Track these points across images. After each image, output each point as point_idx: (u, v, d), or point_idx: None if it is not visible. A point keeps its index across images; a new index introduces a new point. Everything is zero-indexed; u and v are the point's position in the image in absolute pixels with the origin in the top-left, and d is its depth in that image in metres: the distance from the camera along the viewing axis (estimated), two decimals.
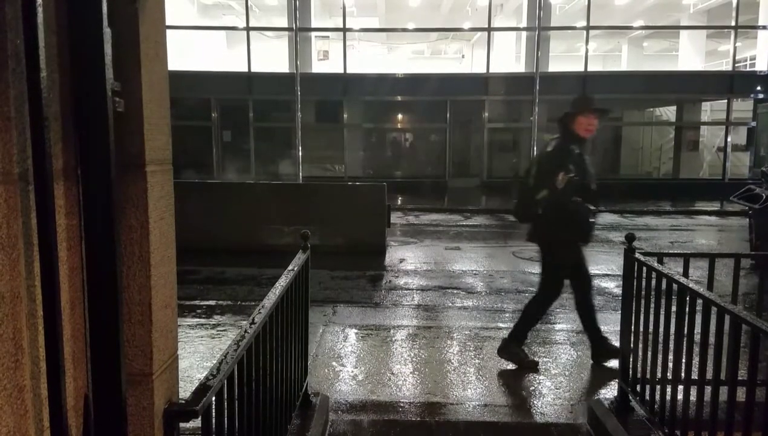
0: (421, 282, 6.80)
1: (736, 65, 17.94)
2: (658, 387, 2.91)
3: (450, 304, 5.90)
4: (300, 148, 14.67)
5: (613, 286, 6.44)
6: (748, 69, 22.16)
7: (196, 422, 1.57)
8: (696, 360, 2.57)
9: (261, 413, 2.16)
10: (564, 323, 5.15)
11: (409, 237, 9.93)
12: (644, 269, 3.08)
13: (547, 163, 4.10)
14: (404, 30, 21.48)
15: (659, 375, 2.89)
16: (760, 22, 16.59)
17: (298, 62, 14.80)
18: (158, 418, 1.46)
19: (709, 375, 2.51)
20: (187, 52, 17.70)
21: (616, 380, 3.51)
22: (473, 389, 3.88)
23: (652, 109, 19.56)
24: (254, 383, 2.05)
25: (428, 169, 17.74)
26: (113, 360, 1.34)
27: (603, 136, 17.49)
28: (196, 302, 5.85)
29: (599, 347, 4.25)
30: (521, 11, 18.87)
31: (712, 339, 2.50)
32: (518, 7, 19.89)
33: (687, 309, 2.64)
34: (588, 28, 16.44)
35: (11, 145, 1.12)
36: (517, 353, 4.22)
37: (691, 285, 2.64)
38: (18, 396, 1.15)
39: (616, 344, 3.75)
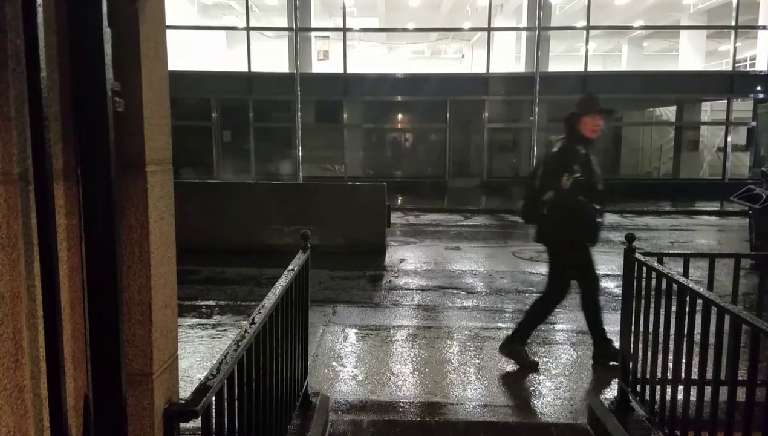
0: (421, 282, 6.80)
1: (736, 65, 17.94)
2: (658, 387, 2.91)
3: (450, 304, 5.90)
4: (300, 148, 14.68)
5: (613, 286, 6.44)
6: (748, 69, 22.15)
7: (196, 422, 1.57)
8: (696, 360, 2.57)
9: (261, 413, 2.16)
10: (564, 323, 5.16)
11: (409, 237, 9.93)
12: (644, 269, 3.08)
13: (552, 164, 4.10)
14: (404, 30, 21.49)
15: (659, 375, 2.89)
16: (760, 22, 16.59)
17: (298, 62, 14.80)
18: (158, 418, 1.46)
19: (709, 375, 2.51)
20: (187, 52, 17.70)
21: (616, 380, 3.51)
22: (473, 389, 3.88)
23: (652, 109, 19.57)
24: (254, 383, 2.05)
25: (428, 169, 17.74)
26: (113, 360, 1.34)
27: (603, 136, 17.45)
28: (196, 302, 5.85)
29: (602, 349, 4.23)
30: (521, 11, 18.88)
31: (712, 339, 2.50)
32: (518, 7, 19.89)
33: (687, 309, 2.64)
34: (588, 28, 16.44)
35: (11, 145, 1.12)
36: (519, 352, 4.23)
37: (691, 285, 2.64)
38: (18, 396, 1.15)
39: (617, 345, 3.75)
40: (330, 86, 16.41)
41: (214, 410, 1.66)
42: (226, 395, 1.76)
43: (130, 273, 1.42)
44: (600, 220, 4.05)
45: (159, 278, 1.48)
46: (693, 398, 2.62)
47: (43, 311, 1.18)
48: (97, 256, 1.32)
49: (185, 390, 1.70)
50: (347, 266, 7.37)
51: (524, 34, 17.89)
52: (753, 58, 20.60)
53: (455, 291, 6.39)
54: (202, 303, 5.86)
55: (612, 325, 4.22)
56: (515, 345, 4.23)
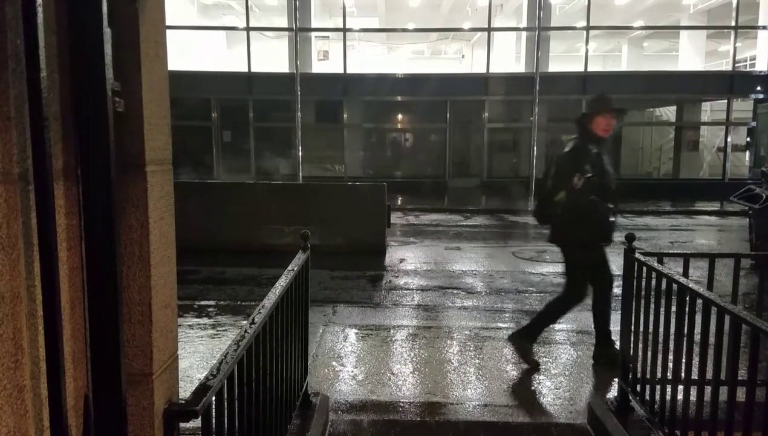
0: (421, 282, 6.80)
1: (736, 65, 17.94)
2: (658, 387, 2.91)
3: (450, 304, 5.90)
4: (300, 148, 14.67)
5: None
6: (748, 69, 22.15)
7: (196, 422, 1.57)
8: (696, 360, 2.57)
9: (261, 413, 2.16)
10: (564, 322, 5.15)
11: (409, 237, 9.93)
12: (644, 268, 3.08)
13: (564, 164, 4.09)
14: (404, 30, 21.49)
15: (659, 375, 2.89)
16: (760, 22, 16.59)
17: (298, 62, 14.79)
18: (158, 418, 1.46)
19: (709, 375, 2.51)
20: (187, 52, 17.70)
21: (616, 380, 3.51)
22: (473, 389, 3.88)
23: (652, 109, 19.56)
24: (254, 383, 2.05)
25: (428, 169, 17.74)
26: (113, 360, 1.34)
27: None
28: (197, 302, 5.85)
29: (603, 349, 4.22)
30: (521, 11, 18.88)
31: (712, 339, 2.50)
32: (518, 7, 19.90)
33: (687, 309, 2.64)
34: (588, 28, 16.44)
35: (11, 145, 1.12)
36: (525, 348, 4.25)
37: (691, 285, 2.64)
38: (18, 396, 1.15)
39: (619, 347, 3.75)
40: (330, 86, 16.41)
41: (214, 410, 1.66)
42: (226, 395, 1.76)
43: (130, 273, 1.42)
44: (613, 219, 4.03)
45: (159, 278, 1.48)
46: (693, 398, 2.62)
47: (43, 311, 1.18)
48: (97, 256, 1.32)
49: (185, 390, 1.70)
50: (347, 266, 7.37)
51: (524, 34, 17.90)
52: (753, 58, 20.61)
53: (455, 291, 6.39)
54: (202, 303, 5.85)
55: (612, 325, 4.22)
56: (523, 341, 4.25)
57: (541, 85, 14.26)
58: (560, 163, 4.15)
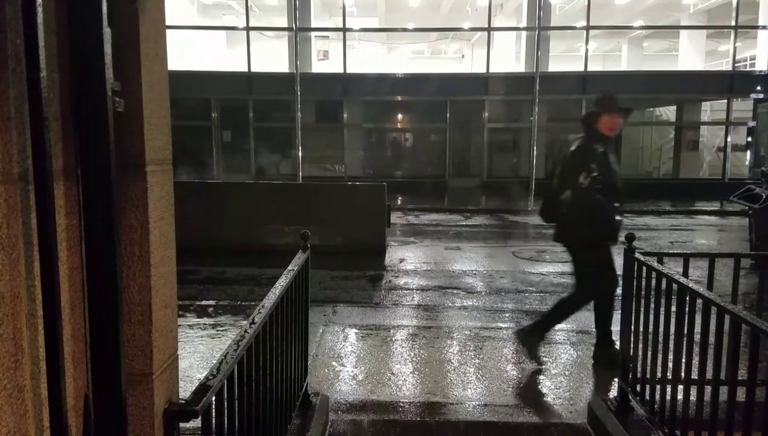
0: (421, 282, 6.80)
1: (736, 65, 17.94)
2: (658, 387, 2.91)
3: (450, 304, 5.90)
4: (300, 148, 14.67)
5: None
6: (748, 69, 22.15)
7: (196, 422, 1.57)
8: (696, 360, 2.57)
9: (261, 413, 2.16)
10: (564, 322, 5.13)
11: (409, 237, 9.93)
12: (644, 268, 3.08)
13: (570, 163, 4.10)
14: (404, 30, 21.48)
15: (659, 375, 2.89)
16: (760, 22, 16.58)
17: (298, 62, 14.79)
18: (158, 418, 1.46)
19: (709, 375, 2.51)
20: (187, 52, 17.70)
21: (616, 380, 3.51)
22: (473, 389, 3.88)
23: (652, 109, 19.56)
24: (254, 383, 2.05)
25: (428, 169, 17.74)
26: (113, 360, 1.34)
27: None
28: (197, 302, 5.85)
29: (603, 349, 4.22)
30: (521, 11, 18.88)
31: (712, 339, 2.50)
32: (518, 7, 19.89)
33: (687, 309, 2.64)
34: (588, 28, 16.44)
35: (11, 145, 1.12)
36: (532, 345, 4.28)
37: (690, 285, 2.64)
38: (18, 396, 1.15)
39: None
40: (330, 86, 16.40)
41: (214, 410, 1.66)
42: (226, 395, 1.76)
43: (130, 273, 1.42)
44: (619, 218, 4.02)
45: (159, 278, 1.48)
46: (693, 397, 2.62)
47: (43, 311, 1.18)
48: (97, 256, 1.32)
49: (185, 390, 1.70)
50: (347, 266, 7.37)
51: (524, 34, 17.89)
52: (753, 58, 20.61)
53: (455, 291, 6.39)
54: (202, 303, 5.86)
55: (612, 325, 4.22)
56: (531, 337, 4.28)
57: (541, 85, 14.26)
58: (566, 162, 4.15)
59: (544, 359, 4.37)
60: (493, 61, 16.45)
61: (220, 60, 20.30)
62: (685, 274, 3.04)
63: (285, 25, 17.37)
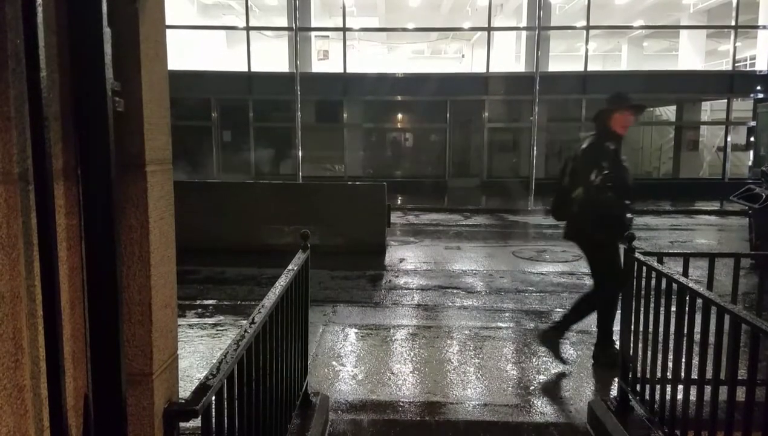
0: (421, 282, 6.80)
1: (736, 65, 17.93)
2: (657, 387, 2.92)
3: (450, 303, 5.90)
4: (300, 148, 14.66)
5: None
6: (748, 69, 22.15)
7: (196, 422, 1.57)
8: (696, 360, 2.58)
9: (261, 413, 2.16)
10: None
11: (409, 237, 9.93)
12: (644, 268, 3.08)
13: (581, 160, 4.09)
14: (404, 30, 21.47)
15: (659, 375, 2.89)
16: (760, 22, 16.58)
17: (298, 62, 14.78)
18: (158, 418, 1.47)
19: (709, 375, 2.51)
20: (187, 52, 17.70)
21: (616, 380, 3.51)
22: (473, 389, 3.88)
23: (652, 109, 19.55)
24: (254, 383, 2.05)
25: (428, 169, 17.74)
26: (113, 360, 1.34)
27: None
28: (196, 302, 5.85)
29: (603, 349, 4.22)
30: (521, 11, 18.87)
31: (711, 339, 2.50)
32: (518, 7, 19.89)
33: (687, 309, 2.65)
34: (588, 27, 16.43)
35: (11, 145, 1.12)
36: (555, 344, 4.31)
37: (690, 285, 2.64)
38: (18, 396, 1.15)
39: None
40: (330, 86, 16.40)
41: (214, 410, 1.66)
42: (226, 395, 1.76)
43: (130, 273, 1.43)
44: (630, 216, 4.01)
45: (159, 277, 1.48)
46: (693, 397, 2.62)
47: (43, 311, 1.19)
48: (97, 256, 1.32)
49: (185, 390, 1.70)
50: (347, 266, 7.37)
51: (524, 33, 17.88)
52: (753, 58, 20.60)
53: (455, 291, 6.39)
54: (202, 303, 5.86)
55: (613, 324, 4.22)
56: (555, 336, 4.29)
57: (541, 84, 14.26)
58: (578, 159, 4.15)
59: (544, 358, 4.37)
60: (493, 61, 16.45)
61: (220, 60, 20.29)
62: (685, 274, 3.05)
63: (285, 24, 17.36)
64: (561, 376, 4.10)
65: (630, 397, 3.25)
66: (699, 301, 2.57)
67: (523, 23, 17.91)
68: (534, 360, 4.36)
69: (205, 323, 5.23)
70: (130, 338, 1.43)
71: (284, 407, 2.64)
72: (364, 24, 21.53)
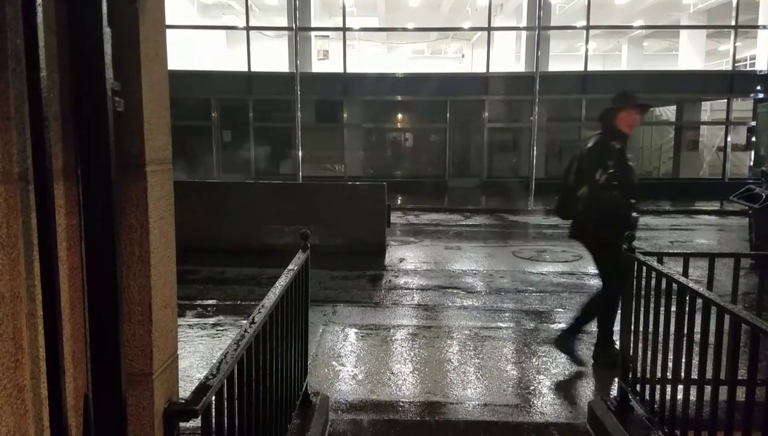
0: (421, 282, 6.80)
1: (736, 65, 17.93)
2: (657, 387, 2.92)
3: (450, 303, 5.90)
4: (300, 148, 14.66)
5: None
6: (748, 69, 22.15)
7: (196, 422, 1.57)
8: (696, 360, 2.58)
9: (261, 413, 2.16)
10: (564, 322, 5.15)
11: (409, 237, 9.93)
12: (644, 268, 3.08)
13: (587, 159, 4.09)
14: (404, 30, 21.48)
15: (659, 375, 2.89)
16: (760, 22, 16.58)
17: (298, 62, 14.78)
18: (158, 418, 1.47)
19: (709, 375, 2.51)
20: (187, 52, 17.69)
21: (616, 380, 3.51)
22: (473, 389, 3.88)
23: (652, 109, 19.55)
24: (254, 383, 2.05)
25: (428, 169, 17.74)
26: (113, 360, 1.34)
27: None
28: (196, 302, 5.85)
29: (603, 349, 4.22)
30: (521, 11, 18.87)
31: (711, 339, 2.50)
32: (518, 7, 19.89)
33: (687, 309, 2.64)
34: (588, 27, 16.43)
35: (11, 145, 1.12)
36: (571, 346, 4.30)
37: (690, 285, 2.64)
38: (18, 396, 1.15)
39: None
40: (330, 86, 16.40)
41: (214, 410, 1.66)
42: (226, 395, 1.76)
43: (130, 273, 1.43)
44: (636, 215, 4.00)
45: (159, 277, 1.48)
46: (693, 397, 2.62)
47: (43, 311, 1.19)
48: (97, 256, 1.32)
49: (185, 390, 1.70)
50: (347, 266, 7.37)
51: (524, 33, 17.88)
52: (753, 58, 20.60)
53: (455, 291, 6.39)
54: (202, 303, 5.86)
55: (614, 324, 4.21)
56: (570, 337, 4.29)
57: (541, 84, 14.26)
58: (583, 158, 4.14)
59: (544, 358, 4.37)
60: (493, 60, 16.45)
61: (220, 60, 20.29)
62: (685, 274, 3.05)
63: (285, 24, 17.36)
64: (561, 376, 4.10)
65: (630, 397, 3.26)
66: (699, 301, 2.57)
67: (523, 23, 17.91)
68: (534, 360, 4.36)
69: (205, 323, 5.23)
70: (130, 338, 1.43)
71: (284, 407, 2.64)
72: (364, 24, 21.53)
